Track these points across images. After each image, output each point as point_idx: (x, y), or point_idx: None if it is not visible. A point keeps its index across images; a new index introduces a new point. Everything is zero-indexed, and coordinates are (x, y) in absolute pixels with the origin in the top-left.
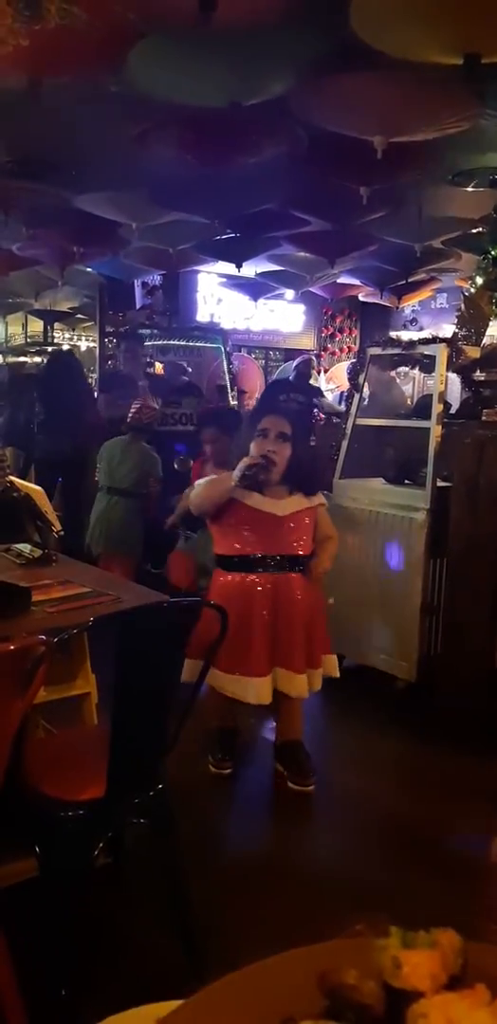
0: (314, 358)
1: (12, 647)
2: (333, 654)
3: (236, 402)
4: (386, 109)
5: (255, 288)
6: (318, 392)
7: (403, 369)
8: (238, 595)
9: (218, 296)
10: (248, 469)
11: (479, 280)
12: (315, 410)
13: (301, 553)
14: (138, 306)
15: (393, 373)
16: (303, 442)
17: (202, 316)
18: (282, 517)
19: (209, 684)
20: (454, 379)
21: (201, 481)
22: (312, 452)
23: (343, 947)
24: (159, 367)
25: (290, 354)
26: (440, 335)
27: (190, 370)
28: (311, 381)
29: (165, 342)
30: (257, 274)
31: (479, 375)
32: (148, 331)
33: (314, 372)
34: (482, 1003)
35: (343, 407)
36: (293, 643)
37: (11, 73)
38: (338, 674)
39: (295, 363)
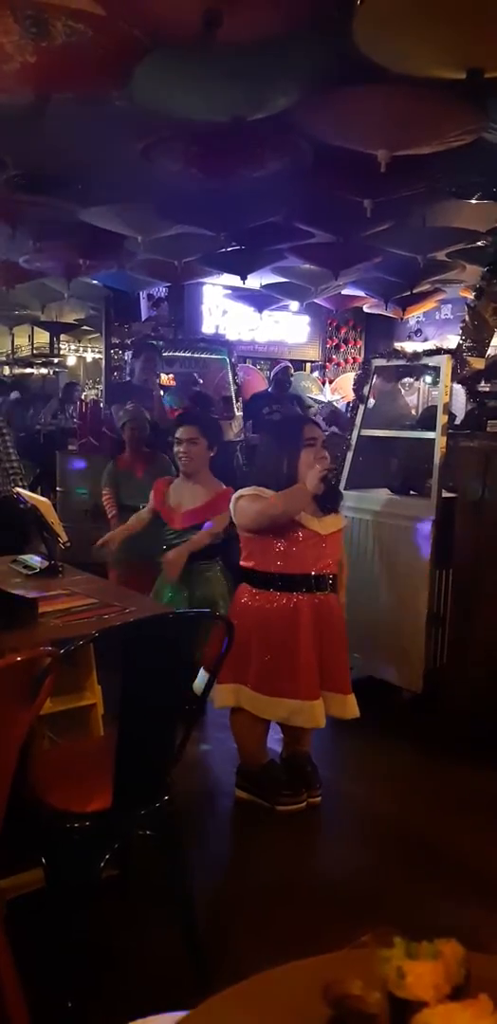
0: (290, 365)
1: (19, 658)
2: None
3: (241, 413)
4: (389, 123)
5: (260, 300)
6: (299, 400)
7: (408, 380)
8: (282, 615)
9: (223, 308)
10: (323, 479)
11: (483, 291)
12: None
13: (334, 572)
14: (144, 318)
15: (398, 384)
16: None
17: (207, 328)
18: (324, 536)
19: (241, 714)
20: (459, 390)
21: (247, 492)
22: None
23: (348, 958)
24: (165, 378)
25: (295, 365)
26: (445, 346)
27: (201, 380)
28: (315, 392)
29: (171, 353)
30: (262, 286)
31: (484, 386)
32: (154, 343)
33: (319, 382)
34: (485, 1013)
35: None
36: (339, 663)
37: (18, 89)
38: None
39: (273, 372)
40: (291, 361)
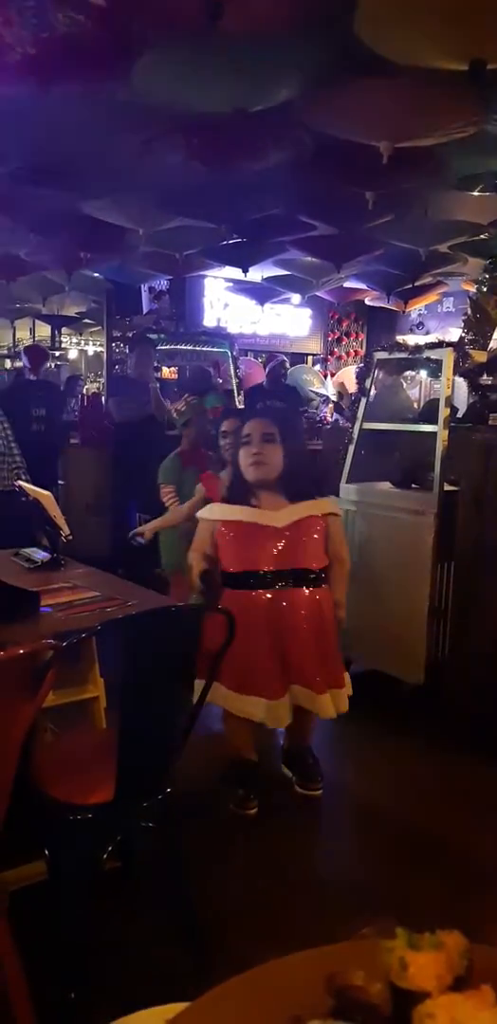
0: (286, 359)
1: (21, 651)
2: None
3: (243, 406)
4: (392, 115)
5: (261, 292)
6: (294, 392)
7: (410, 373)
8: (238, 613)
9: (225, 301)
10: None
11: (485, 284)
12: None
13: (308, 566)
14: (145, 311)
15: (400, 377)
16: (294, 443)
17: (209, 321)
18: (281, 528)
19: (222, 707)
20: (461, 383)
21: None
22: (308, 454)
23: (350, 949)
24: (166, 371)
25: (297, 358)
26: (447, 339)
27: (220, 380)
28: (317, 385)
29: (172, 346)
30: (263, 279)
31: (486, 379)
32: (155, 336)
33: (321, 375)
34: (487, 1004)
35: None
36: (304, 661)
37: (19, 81)
38: (346, 708)
39: (268, 367)
40: (292, 354)
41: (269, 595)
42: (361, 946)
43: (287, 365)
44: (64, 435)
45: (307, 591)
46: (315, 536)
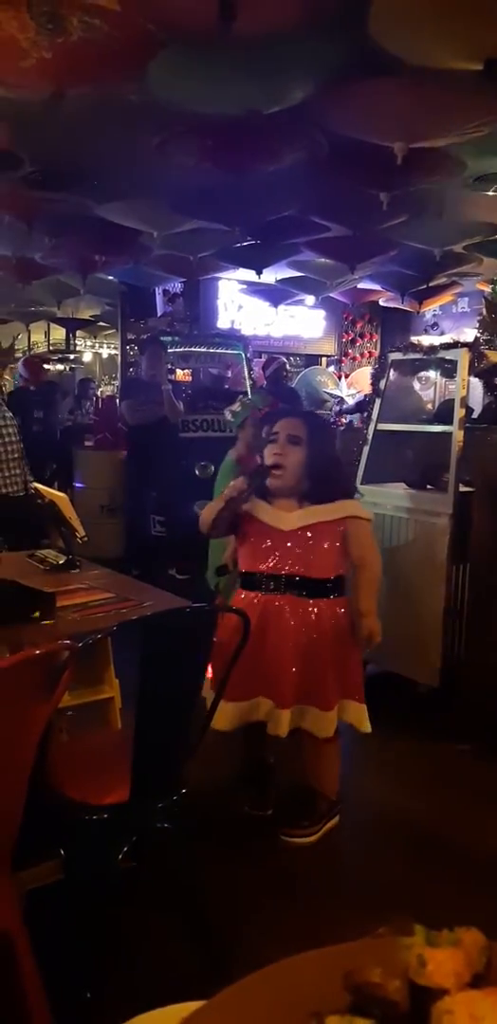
0: (286, 361)
1: (37, 652)
2: (359, 703)
3: None
4: (406, 115)
5: (275, 294)
6: (295, 395)
7: (424, 374)
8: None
9: (239, 303)
10: (237, 492)
11: None
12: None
13: (307, 575)
14: (159, 313)
15: (414, 378)
16: (320, 446)
17: (223, 323)
18: (286, 532)
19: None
20: (476, 384)
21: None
22: (330, 458)
23: (368, 946)
24: (180, 374)
25: (311, 360)
26: (462, 339)
27: (229, 375)
28: (331, 386)
29: (186, 349)
30: (277, 280)
31: None
32: (169, 338)
33: (335, 376)
34: None
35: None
36: (280, 675)
37: (34, 85)
38: (368, 728)
39: (268, 370)
40: (307, 356)
41: (258, 598)
42: (378, 943)
43: (288, 367)
44: (64, 435)
45: (302, 600)
46: (326, 544)
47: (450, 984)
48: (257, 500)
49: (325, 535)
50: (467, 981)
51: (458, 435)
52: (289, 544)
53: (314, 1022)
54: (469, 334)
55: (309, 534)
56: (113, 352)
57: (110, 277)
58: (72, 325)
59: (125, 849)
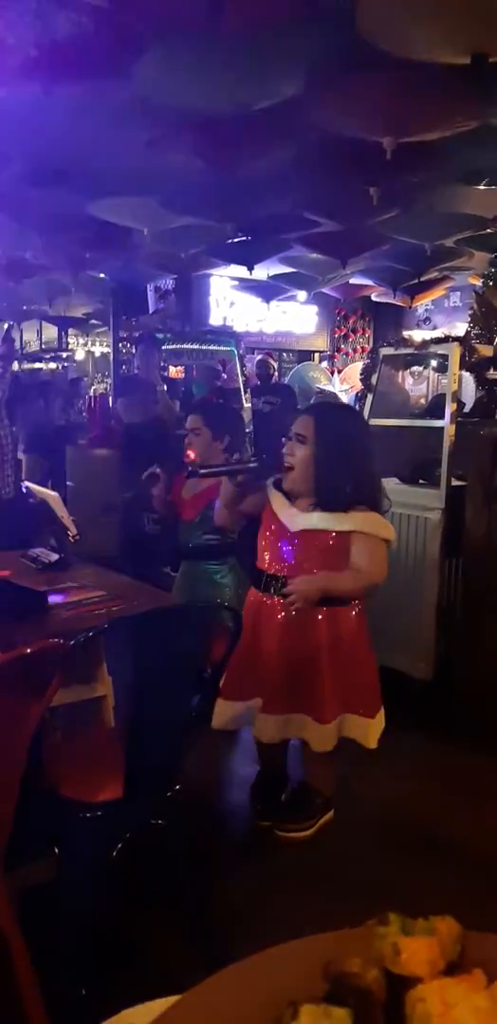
0: (268, 357)
1: (29, 650)
2: (366, 717)
3: (249, 404)
4: (395, 110)
5: (267, 290)
6: (289, 390)
7: (417, 369)
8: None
9: (231, 299)
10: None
11: (491, 279)
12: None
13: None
14: (151, 310)
15: (407, 373)
16: (328, 445)
17: (215, 319)
18: (292, 532)
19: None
20: (468, 378)
21: None
22: (339, 459)
23: (347, 936)
24: (173, 371)
25: (303, 355)
26: (454, 334)
27: (225, 375)
28: (324, 382)
29: (178, 346)
30: (269, 276)
31: (493, 373)
32: (161, 335)
33: (328, 372)
34: (478, 987)
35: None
36: (267, 677)
37: (23, 83)
38: (372, 745)
39: (256, 369)
40: (299, 352)
41: (255, 596)
42: (357, 933)
43: (272, 362)
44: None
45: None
46: (326, 554)
47: (424, 972)
48: (276, 492)
49: (327, 544)
50: (441, 969)
51: (450, 429)
52: (290, 545)
53: (290, 1011)
54: (461, 328)
55: (311, 539)
56: (105, 350)
57: (101, 275)
58: (64, 323)
59: (119, 846)
